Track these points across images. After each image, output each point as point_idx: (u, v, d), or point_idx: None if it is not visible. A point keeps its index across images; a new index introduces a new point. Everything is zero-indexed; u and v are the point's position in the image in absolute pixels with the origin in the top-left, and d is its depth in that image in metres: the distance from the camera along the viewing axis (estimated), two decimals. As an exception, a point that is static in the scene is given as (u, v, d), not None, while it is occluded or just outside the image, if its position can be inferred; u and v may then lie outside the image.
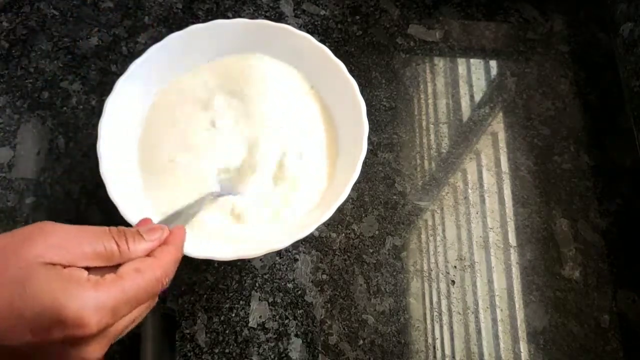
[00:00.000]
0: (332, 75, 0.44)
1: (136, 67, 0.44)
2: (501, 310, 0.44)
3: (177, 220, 0.35)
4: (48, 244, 0.25)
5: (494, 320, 0.44)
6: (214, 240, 0.41)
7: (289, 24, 0.52)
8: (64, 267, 0.25)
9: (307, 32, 0.46)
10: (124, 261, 0.27)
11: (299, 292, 0.44)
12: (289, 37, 0.45)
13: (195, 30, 0.45)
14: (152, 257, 0.29)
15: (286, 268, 0.45)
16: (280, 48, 0.46)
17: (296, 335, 0.43)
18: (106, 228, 0.28)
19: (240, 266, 0.44)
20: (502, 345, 0.43)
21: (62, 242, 0.25)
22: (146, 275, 0.27)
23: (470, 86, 0.53)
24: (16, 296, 0.24)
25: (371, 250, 0.46)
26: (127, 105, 0.44)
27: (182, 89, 0.46)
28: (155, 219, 0.35)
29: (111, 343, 0.27)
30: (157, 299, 0.31)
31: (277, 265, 0.45)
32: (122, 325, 0.27)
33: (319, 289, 0.44)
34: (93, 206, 0.46)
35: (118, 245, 0.27)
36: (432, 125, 0.51)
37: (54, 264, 0.25)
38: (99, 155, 0.40)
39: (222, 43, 0.46)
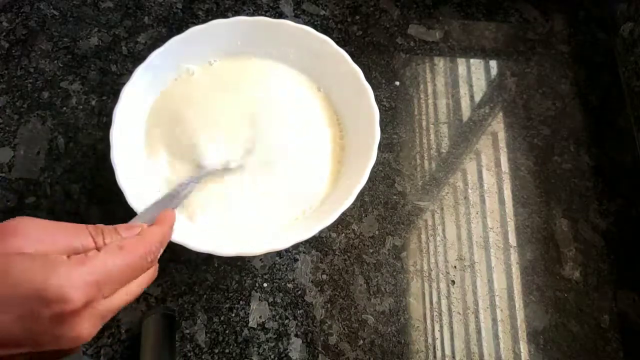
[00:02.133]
0: (346, 79, 0.44)
1: (141, 71, 0.43)
2: (501, 310, 0.44)
3: (170, 203, 0.36)
4: (27, 238, 0.25)
5: (494, 320, 0.44)
6: (216, 234, 0.41)
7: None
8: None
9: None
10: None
11: (299, 292, 0.44)
12: (307, 39, 0.45)
13: (217, 24, 0.45)
14: (137, 236, 0.29)
15: (286, 268, 0.45)
16: (294, 50, 0.46)
17: (296, 335, 0.43)
18: (83, 225, 0.28)
19: (240, 266, 0.44)
20: (502, 345, 0.43)
21: (40, 236, 0.26)
22: (129, 251, 0.27)
23: (470, 86, 0.53)
24: (1, 286, 0.24)
25: (371, 250, 0.46)
26: (135, 111, 0.44)
27: (188, 95, 0.46)
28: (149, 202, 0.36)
29: (106, 319, 0.27)
30: (155, 272, 0.31)
31: (277, 265, 0.45)
32: (116, 301, 0.27)
33: (319, 289, 0.44)
34: (93, 206, 0.46)
35: (95, 242, 0.27)
36: (432, 125, 0.51)
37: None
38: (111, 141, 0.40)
39: (234, 41, 0.46)
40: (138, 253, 0.28)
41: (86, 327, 0.26)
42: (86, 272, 0.25)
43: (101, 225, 0.29)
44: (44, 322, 0.24)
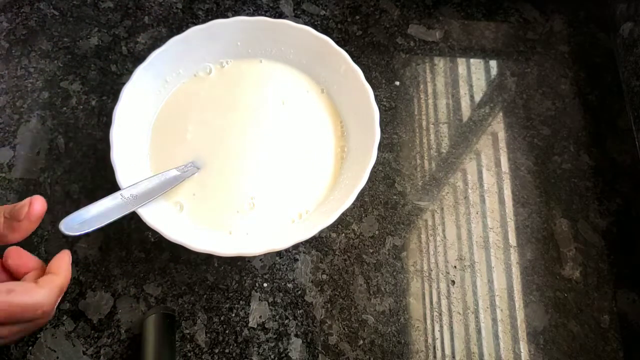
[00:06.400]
0: (346, 79, 0.45)
1: (141, 71, 0.43)
2: (501, 310, 0.44)
3: (167, 185, 0.38)
4: None
5: (494, 320, 0.44)
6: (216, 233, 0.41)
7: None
8: None
9: (307, 32, 0.46)
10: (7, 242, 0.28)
11: (299, 292, 0.44)
12: (307, 39, 0.45)
13: (217, 24, 0.45)
14: (34, 283, 0.29)
15: (286, 268, 0.45)
16: (294, 50, 0.46)
17: (296, 335, 0.43)
18: None
19: (240, 266, 0.44)
20: (502, 345, 0.43)
21: None
22: (19, 296, 0.28)
23: (470, 86, 0.53)
24: None
25: (371, 250, 0.46)
26: (135, 111, 0.44)
27: (189, 95, 0.46)
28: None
29: None
30: (34, 325, 0.32)
31: (277, 265, 0.45)
32: None
33: (319, 289, 0.44)
34: (93, 206, 0.46)
35: None
36: (432, 125, 0.51)
37: None
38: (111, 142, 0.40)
39: (234, 42, 0.46)
40: (31, 300, 0.28)
41: None
42: None
43: None
44: None
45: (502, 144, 0.51)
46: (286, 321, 0.43)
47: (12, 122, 0.49)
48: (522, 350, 0.43)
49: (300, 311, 0.43)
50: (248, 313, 0.43)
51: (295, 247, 0.45)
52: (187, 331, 0.42)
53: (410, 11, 0.56)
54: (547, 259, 0.46)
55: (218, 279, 0.44)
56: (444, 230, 0.47)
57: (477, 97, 0.53)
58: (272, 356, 0.42)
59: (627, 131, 0.52)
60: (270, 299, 0.44)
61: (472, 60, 0.54)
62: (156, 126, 0.45)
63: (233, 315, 0.43)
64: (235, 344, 0.42)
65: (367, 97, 0.43)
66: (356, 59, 0.45)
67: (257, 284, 0.44)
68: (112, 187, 0.39)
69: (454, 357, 0.43)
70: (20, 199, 0.46)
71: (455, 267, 0.46)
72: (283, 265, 0.45)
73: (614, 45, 0.55)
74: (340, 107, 0.46)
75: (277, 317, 0.43)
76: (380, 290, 0.44)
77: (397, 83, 0.53)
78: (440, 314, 0.44)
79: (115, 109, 0.42)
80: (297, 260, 0.45)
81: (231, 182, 0.43)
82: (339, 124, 0.46)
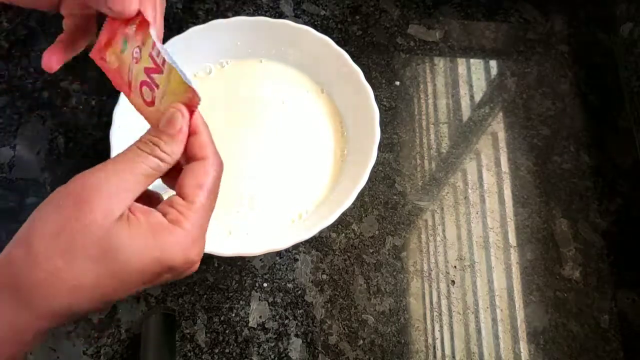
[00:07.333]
0: (346, 80, 0.45)
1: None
2: (501, 310, 0.44)
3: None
4: (103, 198, 0.24)
5: (494, 320, 0.44)
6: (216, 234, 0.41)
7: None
8: (132, 211, 0.25)
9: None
10: (173, 163, 0.27)
11: (299, 292, 0.44)
12: (307, 39, 0.45)
13: (217, 24, 0.45)
14: (203, 162, 0.27)
15: (286, 268, 0.45)
16: (294, 50, 0.46)
17: (296, 335, 0.43)
18: (134, 148, 0.26)
19: (240, 266, 0.44)
20: (502, 345, 0.43)
21: (112, 188, 0.24)
22: (209, 183, 0.27)
23: (470, 86, 0.53)
24: (116, 269, 0.24)
25: (371, 250, 0.46)
26: (135, 111, 0.43)
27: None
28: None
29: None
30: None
31: (277, 265, 0.45)
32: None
33: (319, 289, 0.44)
34: (93, 206, 0.46)
35: (157, 156, 0.26)
36: (432, 125, 0.51)
37: (121, 216, 0.24)
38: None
39: (234, 42, 0.46)
40: (215, 176, 0.27)
41: (200, 252, 0.27)
42: (193, 230, 0.26)
43: (146, 138, 0.26)
44: (167, 279, 0.26)
45: (502, 144, 0.51)
46: (286, 321, 0.43)
47: (12, 122, 0.49)
48: (522, 350, 0.43)
49: (300, 311, 0.43)
50: (248, 313, 0.43)
51: (295, 247, 0.45)
52: (187, 331, 0.42)
53: (410, 11, 0.56)
54: (547, 259, 0.46)
55: (218, 279, 0.44)
56: (444, 230, 0.47)
57: (477, 97, 0.53)
58: (272, 356, 0.42)
59: (627, 131, 0.52)
60: (270, 299, 0.44)
61: (472, 60, 0.54)
62: None
63: (233, 315, 0.43)
64: (235, 344, 0.42)
65: (367, 97, 0.43)
66: (356, 59, 0.45)
67: (257, 284, 0.44)
68: (112, 187, 0.39)
69: (454, 357, 0.43)
70: (21, 199, 0.46)
71: (455, 267, 0.46)
72: (283, 265, 0.45)
73: (614, 45, 0.55)
74: (340, 107, 0.46)
75: (277, 317, 0.43)
76: (380, 290, 0.44)
77: (397, 83, 0.53)
78: (440, 314, 0.44)
79: (115, 110, 0.41)
80: (297, 260, 0.45)
81: (231, 182, 0.43)
82: (339, 124, 0.46)
